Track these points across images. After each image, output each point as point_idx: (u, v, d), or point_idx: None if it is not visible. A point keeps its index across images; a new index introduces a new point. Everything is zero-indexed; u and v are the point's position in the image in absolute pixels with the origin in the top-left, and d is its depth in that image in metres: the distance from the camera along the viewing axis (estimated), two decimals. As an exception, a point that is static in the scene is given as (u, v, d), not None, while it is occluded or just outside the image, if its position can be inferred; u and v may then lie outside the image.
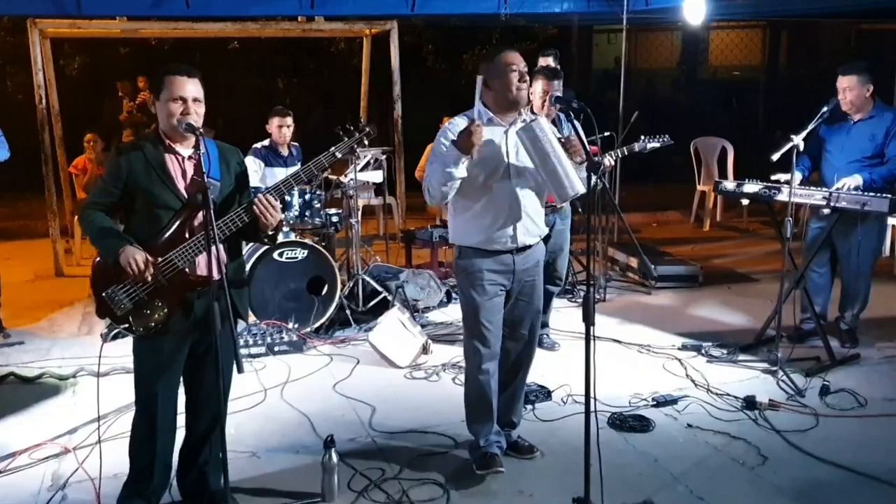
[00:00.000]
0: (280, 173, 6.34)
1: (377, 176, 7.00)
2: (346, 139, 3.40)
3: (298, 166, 5.83)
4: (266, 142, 6.44)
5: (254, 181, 6.12)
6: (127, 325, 3.03)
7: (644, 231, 9.10)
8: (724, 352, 5.09)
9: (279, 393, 4.64)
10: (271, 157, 6.36)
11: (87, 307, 6.51)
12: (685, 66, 16.72)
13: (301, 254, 5.69)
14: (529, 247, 3.55)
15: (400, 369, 4.99)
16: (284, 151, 6.43)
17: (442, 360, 5.07)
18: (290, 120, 6.40)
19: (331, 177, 6.29)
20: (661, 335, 5.54)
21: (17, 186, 10.43)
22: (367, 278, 6.21)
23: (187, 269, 3.03)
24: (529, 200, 3.50)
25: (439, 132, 3.47)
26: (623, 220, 3.70)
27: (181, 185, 3.05)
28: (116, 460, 3.58)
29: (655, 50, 16.49)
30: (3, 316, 5.82)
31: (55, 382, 4.82)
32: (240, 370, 2.83)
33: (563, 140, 3.46)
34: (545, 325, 5.29)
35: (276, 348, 5.26)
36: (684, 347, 5.25)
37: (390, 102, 8.69)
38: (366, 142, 3.47)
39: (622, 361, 5.08)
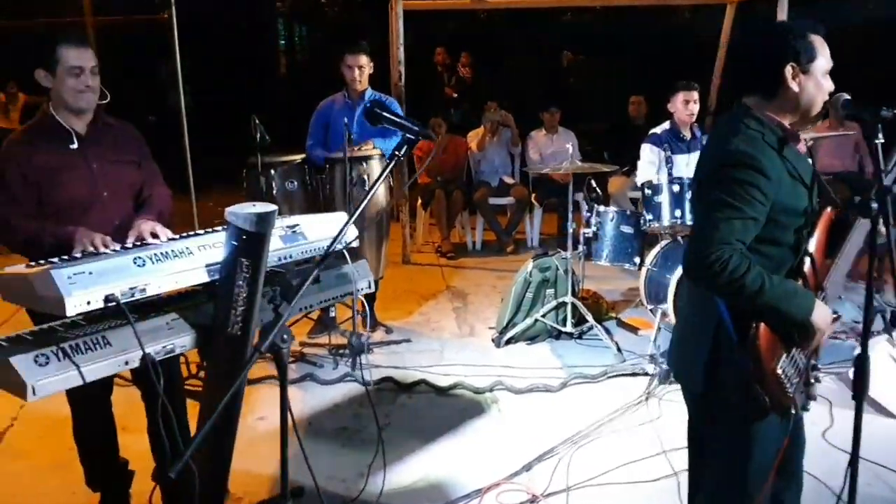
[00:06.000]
0: (681, 161, 5.39)
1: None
2: None
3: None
4: (666, 124, 5.47)
5: (649, 174, 5.24)
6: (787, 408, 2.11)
7: None
8: None
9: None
10: (674, 143, 5.40)
11: (453, 301, 5.95)
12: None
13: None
14: None
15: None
16: (687, 134, 5.45)
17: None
18: (695, 94, 5.38)
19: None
20: None
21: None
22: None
23: None
24: None
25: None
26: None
27: None
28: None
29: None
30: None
31: (472, 396, 4.20)
32: None
33: None
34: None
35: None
36: None
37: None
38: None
39: None
